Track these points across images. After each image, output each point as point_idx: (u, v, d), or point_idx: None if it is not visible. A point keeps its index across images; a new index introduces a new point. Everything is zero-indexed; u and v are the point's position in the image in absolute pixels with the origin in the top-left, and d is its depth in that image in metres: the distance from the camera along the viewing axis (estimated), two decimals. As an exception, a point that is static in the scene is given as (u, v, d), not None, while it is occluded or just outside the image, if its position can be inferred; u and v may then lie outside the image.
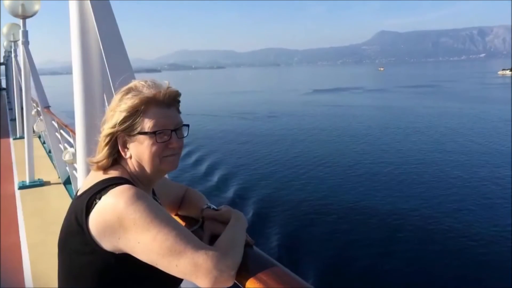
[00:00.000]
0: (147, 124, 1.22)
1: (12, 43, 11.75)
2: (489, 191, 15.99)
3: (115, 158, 1.29)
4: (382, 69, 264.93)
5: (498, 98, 53.48)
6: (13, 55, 12.33)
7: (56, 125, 6.73)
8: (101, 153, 1.28)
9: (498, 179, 17.40)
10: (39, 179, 6.67)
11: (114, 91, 1.83)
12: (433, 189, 16.44)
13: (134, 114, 1.23)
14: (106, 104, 2.03)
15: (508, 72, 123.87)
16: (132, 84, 1.29)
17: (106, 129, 1.26)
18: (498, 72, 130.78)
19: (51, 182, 6.69)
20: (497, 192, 15.84)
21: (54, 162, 7.35)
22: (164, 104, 1.25)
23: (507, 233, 12.27)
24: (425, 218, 13.55)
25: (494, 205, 14.58)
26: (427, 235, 12.39)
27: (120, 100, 1.26)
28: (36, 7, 6.48)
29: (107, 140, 1.26)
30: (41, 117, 7.77)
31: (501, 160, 20.65)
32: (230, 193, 16.43)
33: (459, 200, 15.07)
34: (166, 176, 1.57)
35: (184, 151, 1.37)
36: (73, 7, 1.98)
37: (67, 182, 6.49)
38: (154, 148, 1.23)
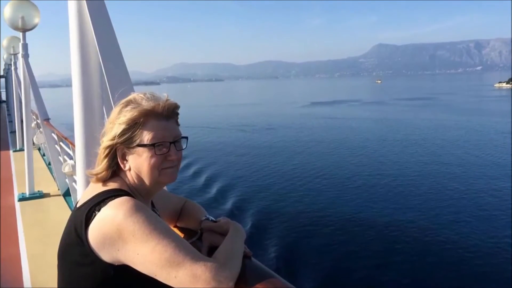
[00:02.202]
0: (146, 137, 1.23)
1: (12, 56, 11.80)
2: (486, 203, 16.00)
3: (114, 170, 1.30)
4: (379, 81, 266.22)
5: (494, 110, 53.73)
6: (13, 68, 12.37)
7: (55, 137, 6.75)
8: (100, 165, 1.29)
9: (495, 191, 17.41)
10: (38, 191, 6.68)
11: (113, 104, 1.85)
12: (430, 201, 16.43)
13: (133, 126, 1.24)
14: (106, 116, 2.04)
15: (504, 85, 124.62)
16: (131, 96, 1.30)
17: (105, 141, 1.27)
18: (495, 85, 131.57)
19: (51, 194, 6.70)
20: (493, 204, 15.85)
21: (53, 174, 7.36)
22: (163, 116, 1.26)
23: (504, 245, 12.25)
24: (422, 229, 13.53)
25: (491, 216, 14.57)
26: (425, 247, 12.36)
27: (119, 112, 1.27)
28: (36, 20, 6.53)
29: (106, 152, 1.27)
30: (40, 129, 7.78)
31: (497, 172, 20.68)
32: (228, 204, 16.39)
33: (456, 212, 15.06)
34: (165, 188, 1.58)
35: (182, 163, 1.39)
36: (72, 21, 2.01)
37: (66, 194, 6.50)
38: (153, 160, 1.24)
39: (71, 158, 5.64)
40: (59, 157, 6.70)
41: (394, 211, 15.27)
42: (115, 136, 1.25)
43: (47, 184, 7.22)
